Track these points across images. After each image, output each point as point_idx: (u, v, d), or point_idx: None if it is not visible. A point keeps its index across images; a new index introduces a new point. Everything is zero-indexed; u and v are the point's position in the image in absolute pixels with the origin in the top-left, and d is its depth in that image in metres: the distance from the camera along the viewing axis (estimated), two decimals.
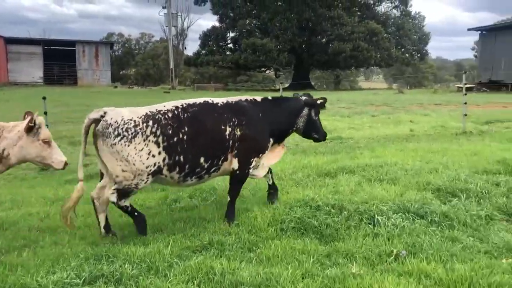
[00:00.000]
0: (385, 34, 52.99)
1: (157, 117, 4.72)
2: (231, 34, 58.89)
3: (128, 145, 4.55)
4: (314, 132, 5.76)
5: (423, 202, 5.25)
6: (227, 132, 5.00)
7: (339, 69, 60.73)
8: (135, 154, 4.57)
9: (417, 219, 4.78)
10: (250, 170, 5.33)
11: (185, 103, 5.00)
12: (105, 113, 4.65)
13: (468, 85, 37.95)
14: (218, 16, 58.34)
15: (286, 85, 50.94)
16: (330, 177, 6.85)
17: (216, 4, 56.36)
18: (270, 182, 5.81)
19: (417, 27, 58.38)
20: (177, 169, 4.79)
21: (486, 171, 6.76)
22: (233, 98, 5.41)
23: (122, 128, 4.56)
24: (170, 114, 4.79)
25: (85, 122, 4.70)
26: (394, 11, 59.90)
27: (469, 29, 54.46)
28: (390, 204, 5.13)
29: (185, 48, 74.19)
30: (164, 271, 3.70)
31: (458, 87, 39.51)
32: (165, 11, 58.94)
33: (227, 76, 67.20)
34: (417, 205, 5.03)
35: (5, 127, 4.66)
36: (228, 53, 56.87)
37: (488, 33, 49.89)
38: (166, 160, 4.71)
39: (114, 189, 4.72)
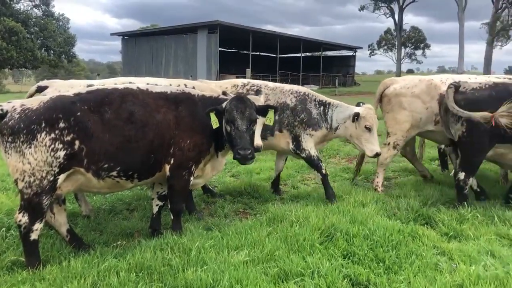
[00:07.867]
0: (27, 34, 49.72)
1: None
2: None
3: None
4: None
5: None
6: None
7: None
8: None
9: None
10: None
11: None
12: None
13: None
14: None
15: None
16: None
17: None
18: None
19: (62, 29, 57.39)
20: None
21: None
22: None
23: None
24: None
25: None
26: (36, 10, 56.89)
27: (112, 34, 57.26)
28: None
29: None
30: None
31: None
32: None
33: None
34: None
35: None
36: None
37: (129, 38, 54.25)
38: None
39: None
